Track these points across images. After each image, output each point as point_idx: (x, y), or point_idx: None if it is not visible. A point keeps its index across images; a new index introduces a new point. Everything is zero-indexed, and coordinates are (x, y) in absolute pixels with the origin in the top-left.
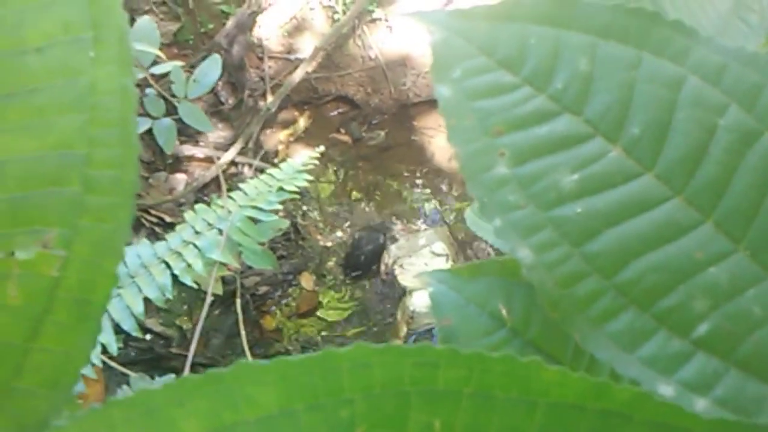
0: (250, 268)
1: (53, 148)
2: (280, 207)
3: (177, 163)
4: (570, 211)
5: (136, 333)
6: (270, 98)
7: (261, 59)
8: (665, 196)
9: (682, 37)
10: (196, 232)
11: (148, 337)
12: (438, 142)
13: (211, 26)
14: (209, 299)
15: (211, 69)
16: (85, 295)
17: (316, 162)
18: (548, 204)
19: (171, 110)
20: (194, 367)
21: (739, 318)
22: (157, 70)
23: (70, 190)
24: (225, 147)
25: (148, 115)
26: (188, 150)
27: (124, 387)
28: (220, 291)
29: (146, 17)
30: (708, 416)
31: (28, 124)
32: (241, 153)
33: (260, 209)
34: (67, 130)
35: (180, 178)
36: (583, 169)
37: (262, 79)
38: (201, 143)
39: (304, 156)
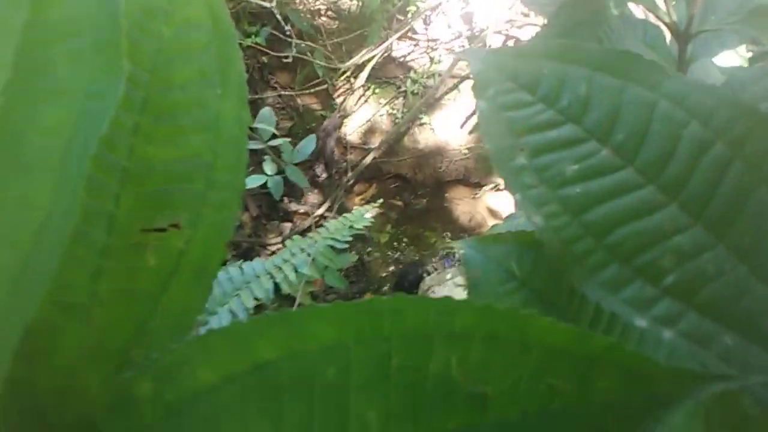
0: (330, 287)
1: (187, 156)
2: (353, 243)
3: (285, 215)
4: (571, 191)
5: None
6: (349, 174)
7: (345, 148)
8: (641, 183)
9: (656, 73)
10: (292, 254)
11: None
12: (462, 208)
13: (313, 124)
14: (298, 301)
15: (308, 143)
16: (203, 264)
17: (379, 209)
18: (555, 185)
19: (280, 170)
20: None
21: (697, 273)
22: (273, 142)
23: (197, 187)
24: (318, 206)
25: (264, 173)
26: (293, 207)
27: None
28: (308, 301)
29: (267, 108)
30: (666, 364)
31: (171, 139)
32: (328, 210)
33: (337, 240)
34: (198, 144)
35: (286, 225)
36: (581, 162)
37: (345, 161)
38: (302, 203)
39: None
